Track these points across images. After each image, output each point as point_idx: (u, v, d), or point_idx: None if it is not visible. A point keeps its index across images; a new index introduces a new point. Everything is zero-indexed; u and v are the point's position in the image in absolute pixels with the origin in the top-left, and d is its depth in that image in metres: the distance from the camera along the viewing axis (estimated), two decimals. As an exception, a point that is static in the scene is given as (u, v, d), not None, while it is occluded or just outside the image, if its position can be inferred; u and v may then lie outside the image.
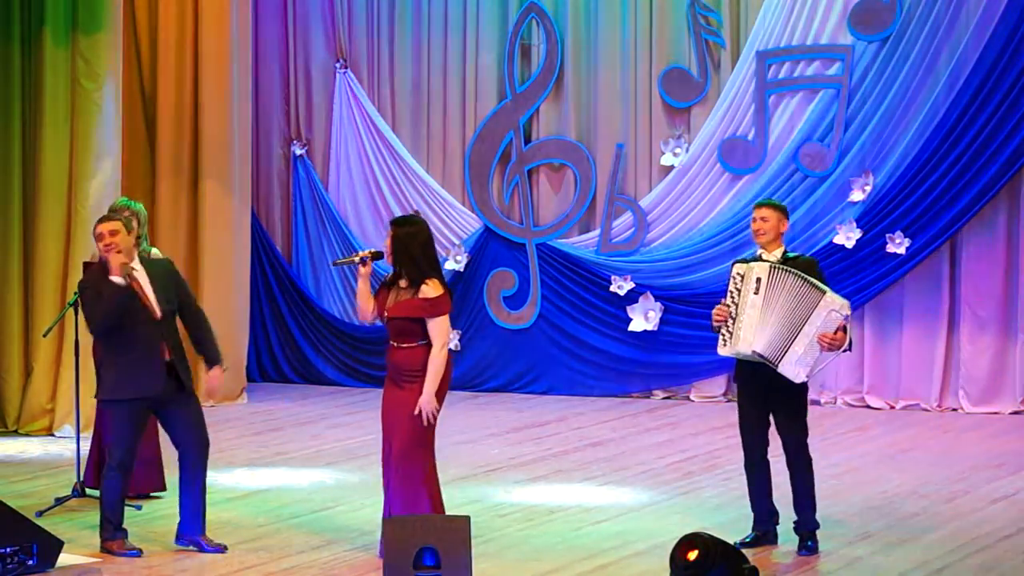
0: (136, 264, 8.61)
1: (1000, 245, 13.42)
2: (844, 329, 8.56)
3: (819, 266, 8.90)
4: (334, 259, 8.52)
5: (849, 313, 8.61)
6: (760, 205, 8.90)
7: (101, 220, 8.72)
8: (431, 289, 8.34)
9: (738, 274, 8.70)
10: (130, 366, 8.57)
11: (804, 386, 8.73)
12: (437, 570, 7.43)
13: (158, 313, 8.57)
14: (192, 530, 8.81)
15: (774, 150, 13.87)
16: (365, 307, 8.57)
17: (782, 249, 8.79)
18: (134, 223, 9.53)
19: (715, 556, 7.54)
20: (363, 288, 8.57)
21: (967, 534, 9.12)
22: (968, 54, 13.24)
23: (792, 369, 8.55)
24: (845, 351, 8.71)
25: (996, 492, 10.30)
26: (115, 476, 8.69)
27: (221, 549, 8.78)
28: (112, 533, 8.74)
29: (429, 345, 8.34)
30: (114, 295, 8.48)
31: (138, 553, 8.69)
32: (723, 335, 8.66)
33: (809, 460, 8.79)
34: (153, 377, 8.56)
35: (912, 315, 13.63)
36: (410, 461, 8.36)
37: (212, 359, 8.79)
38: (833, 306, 8.55)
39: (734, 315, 8.62)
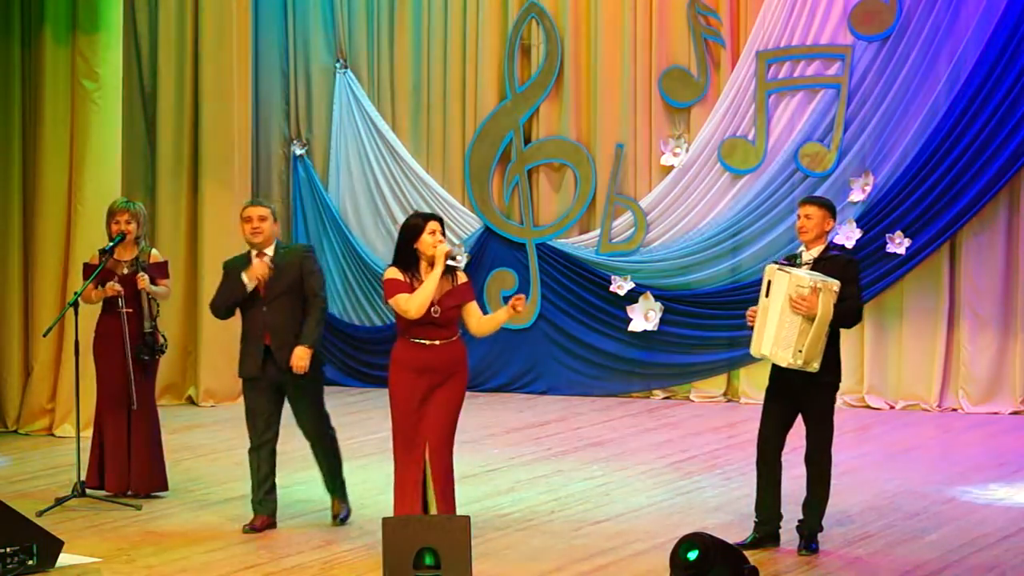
0: (269, 251, 9.05)
1: (1000, 245, 13.41)
2: (814, 291, 8.30)
3: (856, 266, 8.72)
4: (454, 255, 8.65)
5: (813, 284, 8.32)
6: (804, 202, 8.68)
7: (252, 204, 9.25)
8: (462, 273, 8.66)
9: (764, 276, 8.65)
10: (243, 348, 9.12)
11: (833, 387, 8.67)
12: (437, 570, 7.44)
13: (263, 298, 8.95)
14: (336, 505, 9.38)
15: (774, 150, 13.87)
16: (430, 299, 8.47)
17: (822, 247, 8.64)
18: (134, 224, 10.06)
19: (715, 556, 7.55)
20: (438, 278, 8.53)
21: (967, 534, 9.12)
22: (968, 54, 13.24)
23: (781, 355, 8.39)
24: (844, 324, 8.52)
25: (996, 492, 10.29)
26: (250, 455, 9.28)
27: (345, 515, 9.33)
28: (253, 508, 9.26)
29: (461, 340, 8.60)
30: (235, 294, 8.98)
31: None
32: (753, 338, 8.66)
33: (829, 462, 8.72)
34: (251, 360, 9.02)
35: (912, 315, 13.62)
36: (449, 459, 8.53)
37: (302, 338, 9.01)
38: (799, 282, 8.39)
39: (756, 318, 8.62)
